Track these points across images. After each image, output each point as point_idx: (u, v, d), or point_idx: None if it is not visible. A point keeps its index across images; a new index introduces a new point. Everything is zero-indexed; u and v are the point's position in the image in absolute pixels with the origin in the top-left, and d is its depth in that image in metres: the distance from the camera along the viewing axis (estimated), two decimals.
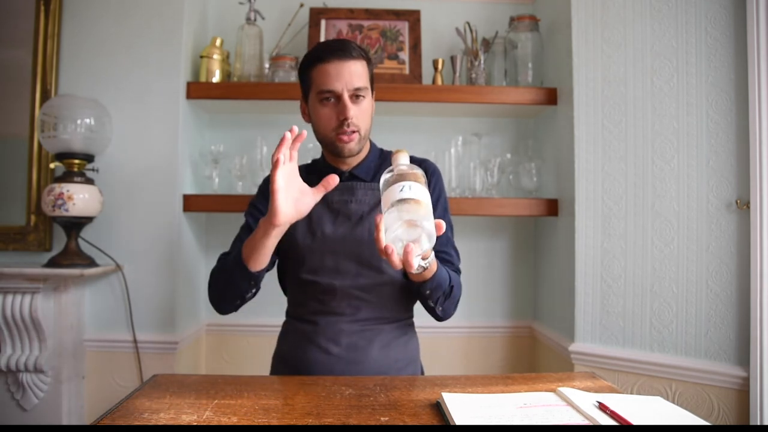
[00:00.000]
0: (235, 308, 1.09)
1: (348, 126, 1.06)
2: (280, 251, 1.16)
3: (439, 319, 1.11)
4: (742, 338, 1.42)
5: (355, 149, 1.11)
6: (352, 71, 1.06)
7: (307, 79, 1.10)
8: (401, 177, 0.81)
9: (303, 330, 1.14)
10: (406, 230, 0.77)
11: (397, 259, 0.80)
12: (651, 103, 1.56)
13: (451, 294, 1.06)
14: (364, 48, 1.13)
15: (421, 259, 0.87)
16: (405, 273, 1.01)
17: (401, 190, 0.78)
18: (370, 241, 1.09)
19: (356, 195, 1.14)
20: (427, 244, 0.79)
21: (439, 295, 1.03)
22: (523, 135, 2.05)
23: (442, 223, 0.80)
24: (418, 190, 0.79)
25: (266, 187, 1.16)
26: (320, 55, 1.07)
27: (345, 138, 1.07)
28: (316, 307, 1.12)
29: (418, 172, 0.84)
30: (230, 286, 1.05)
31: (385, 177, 0.84)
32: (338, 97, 1.06)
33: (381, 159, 1.21)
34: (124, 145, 1.75)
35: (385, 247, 0.79)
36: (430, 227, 0.77)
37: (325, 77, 1.05)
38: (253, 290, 1.05)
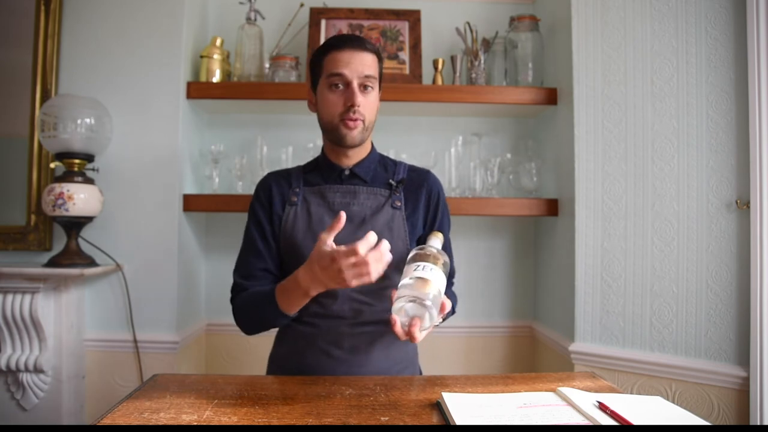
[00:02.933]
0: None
1: (354, 113, 1.08)
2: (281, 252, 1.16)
3: None
4: (742, 338, 1.42)
5: (358, 138, 1.11)
6: (364, 61, 1.08)
7: (319, 66, 1.12)
8: (423, 257, 0.90)
9: (302, 332, 1.13)
10: (412, 306, 0.85)
11: (399, 329, 0.87)
12: (651, 103, 1.56)
13: (444, 318, 1.12)
14: (375, 46, 1.16)
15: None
16: None
17: (416, 269, 0.87)
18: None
19: (358, 198, 1.13)
20: (428, 321, 0.86)
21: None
22: (523, 135, 2.05)
23: (447, 304, 0.88)
24: (431, 272, 0.87)
25: (264, 194, 1.18)
26: (335, 43, 1.10)
27: (351, 123, 1.08)
28: (316, 309, 1.11)
29: (441, 257, 0.91)
30: (266, 323, 1.09)
31: (413, 252, 0.93)
32: (347, 84, 1.08)
33: (382, 165, 1.21)
34: (125, 144, 1.75)
35: (390, 317, 0.86)
36: (432, 307, 0.84)
37: (337, 63, 1.08)
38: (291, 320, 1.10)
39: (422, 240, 1.17)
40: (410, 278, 0.86)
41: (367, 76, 1.08)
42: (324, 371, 1.09)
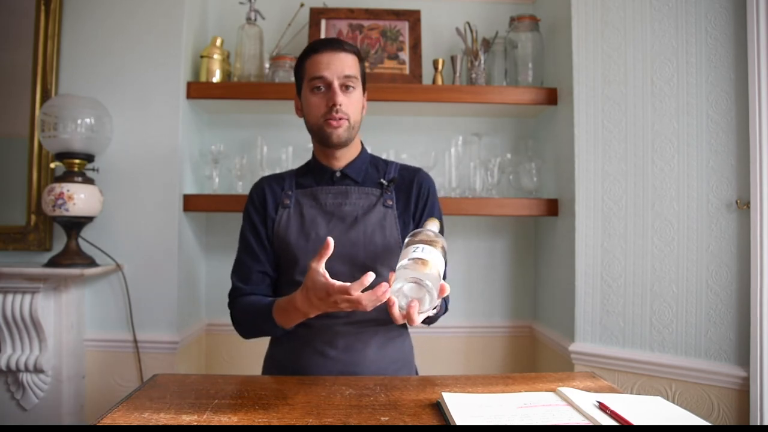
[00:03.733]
0: None
1: (336, 112, 1.09)
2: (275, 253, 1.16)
3: None
4: (742, 338, 1.42)
5: (343, 136, 1.12)
6: (343, 61, 1.10)
7: (301, 71, 1.15)
8: (422, 240, 0.88)
9: (297, 333, 1.12)
10: (411, 287, 0.81)
11: (397, 312, 0.82)
12: (651, 103, 1.56)
13: (436, 316, 1.08)
14: (356, 46, 1.17)
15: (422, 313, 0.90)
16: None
17: (415, 251, 0.85)
18: (365, 244, 1.09)
19: (350, 198, 1.14)
20: (428, 304, 0.82)
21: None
22: (523, 135, 2.05)
23: (446, 287, 0.84)
24: (431, 253, 0.84)
25: (257, 198, 1.18)
26: (313, 46, 1.12)
27: (333, 123, 1.10)
28: None
29: (439, 240, 0.89)
30: (263, 334, 1.10)
31: (410, 235, 0.92)
32: (328, 85, 1.10)
33: (373, 165, 1.22)
34: (125, 144, 1.75)
35: (388, 299, 0.80)
36: (433, 288, 0.81)
37: (317, 65, 1.10)
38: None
39: None
40: (408, 259, 0.83)
41: (347, 76, 1.10)
42: (319, 371, 1.09)
